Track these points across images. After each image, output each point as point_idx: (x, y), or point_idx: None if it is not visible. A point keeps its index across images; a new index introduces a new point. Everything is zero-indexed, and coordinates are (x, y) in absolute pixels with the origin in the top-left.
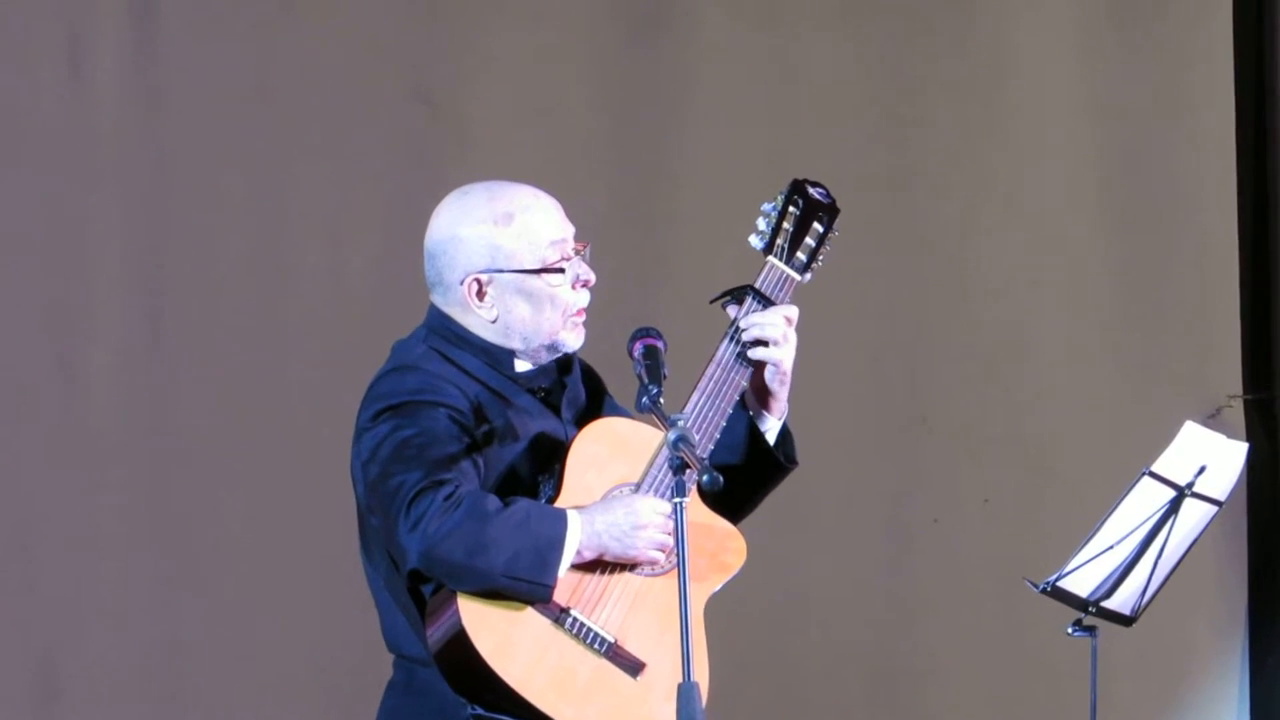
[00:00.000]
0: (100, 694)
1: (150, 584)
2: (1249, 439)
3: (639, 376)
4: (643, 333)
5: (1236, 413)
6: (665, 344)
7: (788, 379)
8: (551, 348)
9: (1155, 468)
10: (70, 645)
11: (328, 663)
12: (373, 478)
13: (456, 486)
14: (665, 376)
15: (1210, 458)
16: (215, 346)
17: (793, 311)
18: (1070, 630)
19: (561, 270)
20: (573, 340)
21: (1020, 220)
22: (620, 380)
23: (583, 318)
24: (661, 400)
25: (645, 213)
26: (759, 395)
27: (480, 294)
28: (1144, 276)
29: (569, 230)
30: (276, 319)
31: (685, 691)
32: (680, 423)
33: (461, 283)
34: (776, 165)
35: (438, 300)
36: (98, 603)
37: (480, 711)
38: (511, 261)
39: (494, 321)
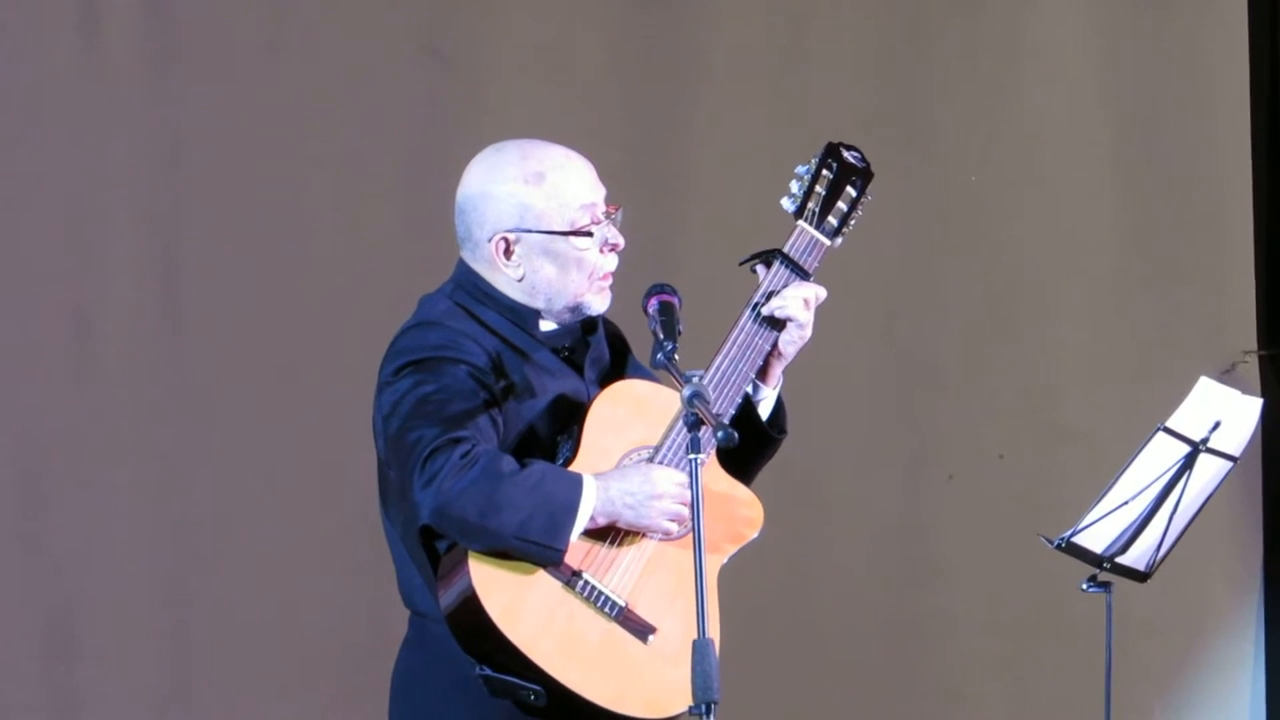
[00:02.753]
0: (113, 654)
1: (163, 544)
2: (1264, 394)
3: (654, 333)
4: (658, 289)
5: (1251, 368)
6: (680, 300)
7: (791, 357)
8: (575, 309)
9: (1170, 423)
10: (83, 606)
11: (343, 619)
12: (392, 432)
13: (473, 445)
14: (680, 333)
15: (1225, 413)
16: (230, 305)
17: (810, 292)
18: (1085, 586)
19: (590, 234)
20: (598, 303)
21: (1034, 177)
22: (633, 338)
23: (609, 281)
24: (676, 357)
25: (659, 169)
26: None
27: (508, 252)
28: (1158, 233)
29: (600, 193)
30: (291, 276)
31: (700, 648)
32: (695, 379)
33: (490, 240)
34: (790, 123)
35: (466, 256)
36: (111, 564)
37: (489, 672)
38: (540, 222)
39: (520, 280)
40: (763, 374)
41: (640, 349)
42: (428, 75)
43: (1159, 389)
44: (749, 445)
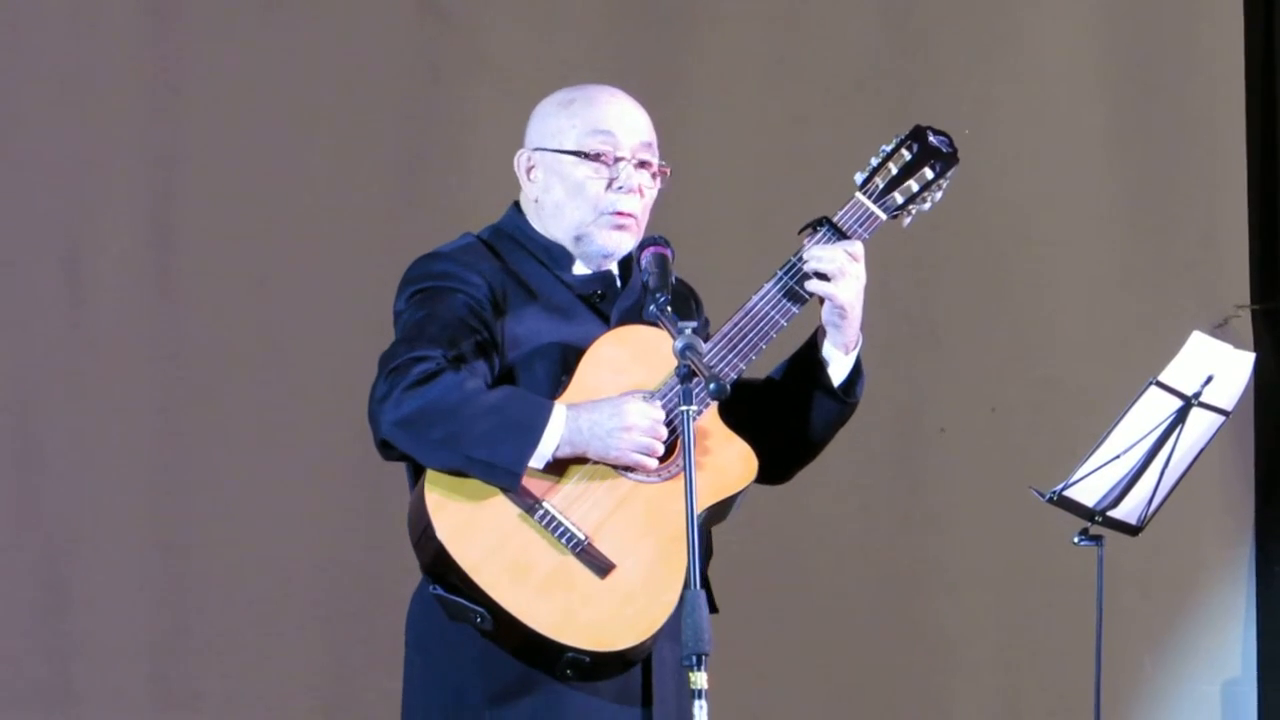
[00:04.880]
0: (106, 603)
1: (157, 492)
2: (1256, 349)
3: (645, 284)
4: (651, 241)
5: (1244, 323)
6: (673, 253)
7: (848, 313)
8: (580, 240)
9: (1162, 377)
10: (77, 555)
11: (339, 567)
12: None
13: (439, 363)
14: (673, 284)
15: (1217, 367)
16: (224, 255)
17: (855, 248)
18: (1077, 539)
19: (593, 159)
20: (609, 240)
21: (1028, 133)
22: None
23: (625, 221)
24: (669, 308)
25: (655, 120)
26: (826, 329)
27: (529, 170)
28: (1152, 187)
29: (631, 136)
30: (286, 228)
31: (691, 599)
32: (687, 330)
33: (518, 159)
34: (786, 78)
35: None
36: (104, 511)
37: (441, 591)
38: (554, 140)
39: (536, 202)
40: (832, 339)
41: None
42: (425, 27)
43: (1152, 343)
44: (815, 409)
